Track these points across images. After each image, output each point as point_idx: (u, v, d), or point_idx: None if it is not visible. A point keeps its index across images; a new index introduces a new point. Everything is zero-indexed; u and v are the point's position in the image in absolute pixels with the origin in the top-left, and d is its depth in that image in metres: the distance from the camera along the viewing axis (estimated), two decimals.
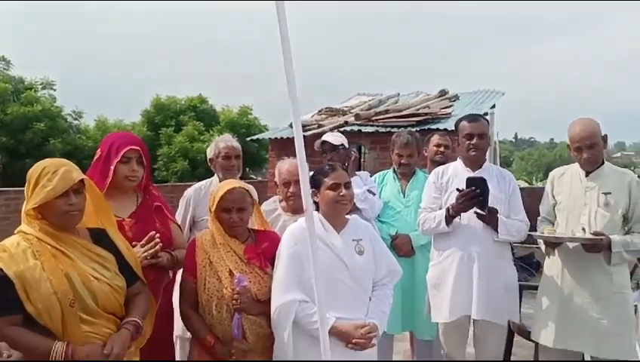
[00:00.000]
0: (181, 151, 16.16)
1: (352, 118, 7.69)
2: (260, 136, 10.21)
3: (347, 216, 2.66)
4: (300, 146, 1.80)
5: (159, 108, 18.63)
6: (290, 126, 8.36)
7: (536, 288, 3.37)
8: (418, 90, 9.87)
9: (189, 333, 2.78)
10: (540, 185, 20.17)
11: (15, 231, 2.07)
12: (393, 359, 4.05)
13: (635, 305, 3.14)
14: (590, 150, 2.92)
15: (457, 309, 3.16)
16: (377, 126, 7.39)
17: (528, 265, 7.06)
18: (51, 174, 2.01)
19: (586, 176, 3.01)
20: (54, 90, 16.42)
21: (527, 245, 4.88)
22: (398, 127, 7.01)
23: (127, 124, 18.53)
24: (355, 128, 7.28)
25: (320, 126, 7.78)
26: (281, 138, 8.22)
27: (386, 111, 7.53)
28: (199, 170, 16.62)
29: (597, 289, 2.89)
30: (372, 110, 7.86)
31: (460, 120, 3.31)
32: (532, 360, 3.84)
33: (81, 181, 2.08)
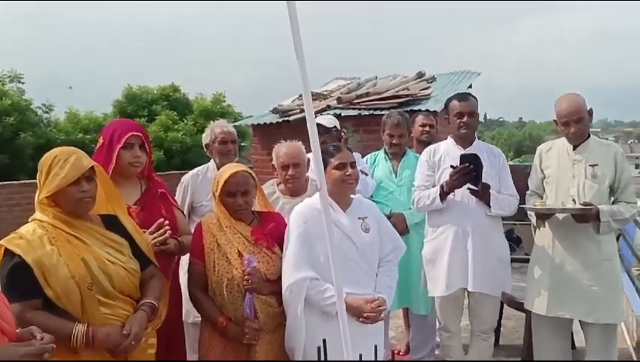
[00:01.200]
0: (155, 141, 15.93)
1: (334, 102, 7.73)
2: (241, 122, 10.17)
3: (351, 196, 2.72)
4: (312, 130, 1.84)
5: (131, 98, 18.31)
6: (273, 111, 8.39)
7: (519, 261, 3.51)
8: (394, 72, 9.95)
9: (192, 318, 2.84)
10: (511, 163, 20.51)
11: (30, 220, 2.09)
12: (390, 334, 4.16)
13: None
14: (577, 124, 3.04)
15: (454, 283, 3.27)
16: (360, 109, 7.45)
17: (509, 240, 7.22)
18: (62, 162, 2.04)
19: (573, 149, 3.12)
20: (22, 82, 16.00)
21: (508, 222, 5.02)
22: (381, 109, 7.08)
23: (99, 115, 18.20)
24: (337, 112, 7.32)
25: (302, 111, 7.81)
26: (264, 123, 8.21)
27: (367, 94, 7.59)
28: (175, 159, 16.46)
29: (587, 257, 3.02)
30: (353, 93, 7.91)
31: (450, 99, 3.39)
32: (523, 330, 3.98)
33: (92, 168, 2.10)
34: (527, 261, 4.50)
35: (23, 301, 1.90)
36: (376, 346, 2.25)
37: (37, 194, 2.09)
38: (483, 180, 3.14)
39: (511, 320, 4.92)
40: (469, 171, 3.06)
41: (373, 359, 2.19)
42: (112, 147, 2.51)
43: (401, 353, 4.23)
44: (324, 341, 2.13)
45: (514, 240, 7.40)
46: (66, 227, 2.05)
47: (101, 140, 2.57)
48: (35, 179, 2.10)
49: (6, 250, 1.98)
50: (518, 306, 3.96)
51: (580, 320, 3.21)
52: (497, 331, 4.12)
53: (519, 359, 4.05)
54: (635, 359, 4.21)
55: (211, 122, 3.65)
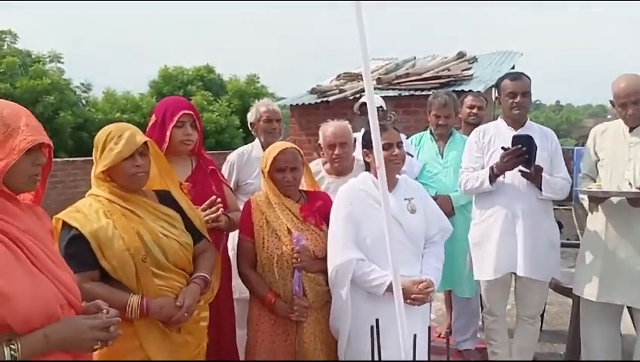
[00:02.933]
0: None
1: (374, 82, 7.64)
2: (278, 102, 10.17)
3: (397, 176, 2.69)
4: (372, 108, 1.82)
5: (167, 78, 18.60)
6: (311, 92, 8.35)
7: (562, 246, 3.42)
8: (433, 53, 9.78)
9: (238, 294, 2.87)
10: None
11: (87, 195, 2.13)
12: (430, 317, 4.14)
13: None
14: (635, 105, 2.92)
15: (502, 267, 3.21)
16: (400, 89, 7.35)
17: None
18: (117, 138, 2.06)
19: (630, 131, 3.01)
20: (62, 62, 16.33)
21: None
22: (422, 89, 6.98)
23: (136, 95, 18.50)
24: (377, 93, 7.24)
25: (341, 91, 7.76)
26: (302, 104, 8.18)
27: (407, 75, 7.49)
28: (209, 140, 16.65)
29: None
30: (392, 74, 7.82)
31: (502, 78, 3.30)
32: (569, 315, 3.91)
33: (145, 144, 2.12)
34: (568, 246, 4.43)
35: (81, 272, 1.93)
36: (429, 327, 2.23)
37: (93, 169, 2.12)
38: (535, 163, 3.05)
39: (554, 305, 4.84)
40: (522, 153, 2.98)
41: (425, 340, 2.18)
42: (165, 125, 2.53)
43: (441, 335, 4.21)
44: (377, 321, 2.12)
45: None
46: (121, 201, 2.08)
47: (154, 118, 2.59)
48: (75, 157, 2.14)
49: (64, 223, 2.02)
50: (564, 291, 3.89)
51: (629, 307, 3.13)
52: (541, 316, 4.06)
53: (564, 344, 3.98)
54: None
55: (256, 101, 3.65)
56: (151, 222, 2.10)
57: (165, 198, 2.23)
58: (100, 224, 2.01)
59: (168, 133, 2.52)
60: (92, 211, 2.04)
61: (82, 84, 16.93)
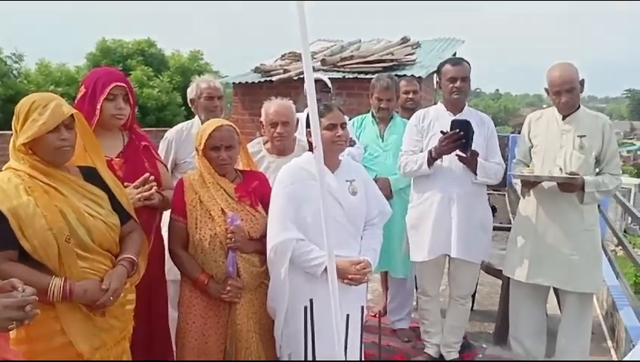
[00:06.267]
0: None
1: (318, 64, 7.60)
2: (222, 80, 9.96)
3: (340, 157, 2.67)
4: (311, 88, 1.77)
5: (105, 51, 17.84)
6: (255, 71, 8.21)
7: (494, 229, 3.54)
8: (378, 37, 9.81)
9: (172, 275, 2.79)
10: None
11: (3, 168, 1.99)
12: (367, 297, 4.20)
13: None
14: (569, 94, 3.02)
15: (436, 248, 3.28)
16: (344, 72, 7.34)
17: None
18: (42, 108, 1.93)
19: (563, 119, 3.12)
20: None
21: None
22: (365, 72, 6.99)
23: (71, 68, 17.65)
24: (321, 74, 7.21)
25: (286, 71, 7.66)
26: (246, 83, 8.03)
27: (351, 57, 7.47)
28: (150, 117, 16.13)
29: (569, 227, 3.05)
30: (336, 56, 7.79)
31: (443, 63, 3.33)
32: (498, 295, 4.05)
33: (71, 116, 2.00)
34: (501, 229, 4.57)
35: None
36: (362, 307, 2.24)
37: (11, 140, 1.98)
38: (472, 148, 3.11)
39: (485, 286, 5.01)
40: (460, 137, 3.03)
41: (359, 319, 2.19)
42: (95, 97, 2.38)
43: (376, 315, 4.27)
44: (311, 301, 2.11)
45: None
46: (43, 177, 1.95)
47: (83, 90, 2.43)
48: (4, 130, 1.99)
49: None
50: (495, 273, 4.03)
51: (556, 289, 3.27)
52: (472, 297, 4.19)
53: (493, 324, 4.14)
54: (604, 327, 4.35)
55: (196, 77, 3.52)
56: (76, 201, 1.99)
57: (90, 175, 2.11)
58: (20, 200, 1.87)
59: (99, 107, 2.38)
60: (11, 186, 1.90)
61: (13, 54, 15.98)
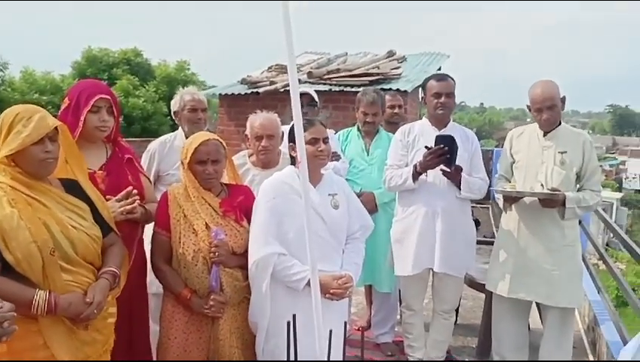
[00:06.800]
0: None
1: (305, 76, 7.63)
2: (206, 92, 9.96)
3: (322, 171, 2.68)
4: (296, 103, 1.78)
5: (91, 60, 17.80)
6: (241, 82, 8.22)
7: (477, 243, 3.56)
8: (364, 50, 9.89)
9: (154, 289, 2.76)
10: None
11: None
12: (351, 311, 4.20)
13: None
14: (550, 111, 3.07)
15: (420, 263, 3.30)
16: (330, 85, 7.38)
17: None
18: (26, 120, 1.92)
19: (544, 135, 3.16)
20: None
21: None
22: (351, 85, 7.03)
23: (56, 76, 17.54)
24: (307, 86, 7.23)
25: (272, 83, 7.68)
26: (232, 94, 8.03)
27: (338, 70, 7.52)
28: (135, 126, 16.05)
29: (550, 242, 3.09)
30: (323, 68, 7.83)
31: (428, 79, 3.37)
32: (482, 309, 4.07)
33: (55, 128, 1.99)
34: (485, 243, 4.61)
35: None
36: (345, 322, 2.24)
37: None
38: (456, 163, 3.14)
39: (469, 300, 5.03)
40: (444, 152, 3.06)
41: (342, 335, 2.19)
42: (79, 110, 2.37)
43: (360, 329, 4.26)
44: (294, 316, 2.11)
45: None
46: (26, 189, 1.93)
47: (67, 101, 2.42)
48: None
49: None
50: (479, 287, 4.05)
51: (538, 303, 3.29)
52: (456, 311, 4.20)
53: (476, 338, 4.15)
54: (585, 342, 4.38)
55: (180, 88, 3.52)
56: (59, 213, 1.97)
57: (71, 187, 2.10)
58: (3, 213, 1.85)
59: (82, 118, 2.37)
60: None
61: None
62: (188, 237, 2.43)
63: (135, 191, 2.41)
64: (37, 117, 1.93)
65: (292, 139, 2.56)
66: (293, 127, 2.60)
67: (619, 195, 30.54)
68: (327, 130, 3.85)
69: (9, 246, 1.84)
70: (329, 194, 2.62)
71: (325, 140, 2.57)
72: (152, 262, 2.53)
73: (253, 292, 2.47)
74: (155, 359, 2.58)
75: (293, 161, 2.64)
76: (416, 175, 3.20)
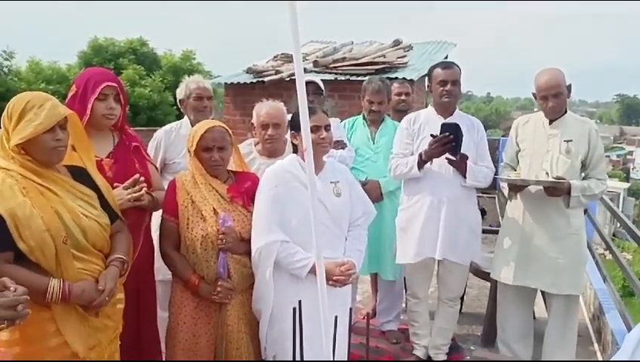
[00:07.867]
0: None
1: (310, 65, 7.61)
2: (214, 80, 9.96)
3: (324, 159, 2.69)
4: (301, 92, 1.78)
5: (97, 49, 17.81)
6: (247, 71, 8.21)
7: (483, 231, 3.57)
8: (370, 39, 9.84)
9: (162, 276, 2.79)
10: None
11: None
12: (357, 299, 4.22)
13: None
14: (555, 99, 3.06)
15: (423, 251, 3.30)
16: (336, 73, 7.36)
17: None
18: (37, 108, 1.93)
19: (550, 124, 3.16)
20: None
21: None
22: (357, 74, 7.02)
23: (62, 65, 17.57)
24: (313, 75, 7.22)
25: (278, 72, 7.68)
26: (238, 83, 8.03)
27: (343, 59, 7.50)
28: (141, 116, 16.08)
29: (555, 231, 3.09)
30: (329, 57, 7.81)
31: (434, 67, 3.36)
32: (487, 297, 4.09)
33: (65, 117, 2.00)
34: (491, 232, 4.62)
35: None
36: (350, 309, 2.26)
37: (1, 139, 1.97)
38: (461, 151, 3.14)
39: (474, 288, 5.04)
40: (449, 141, 3.06)
41: (347, 322, 2.20)
42: (86, 97, 2.39)
43: (365, 317, 4.29)
44: (300, 302, 2.12)
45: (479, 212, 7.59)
46: (36, 177, 1.95)
47: (74, 89, 2.44)
48: None
49: None
50: (484, 275, 4.06)
51: (542, 291, 3.31)
52: (461, 299, 4.22)
53: (481, 326, 4.17)
54: (590, 330, 4.40)
55: (186, 77, 3.53)
56: (70, 202, 1.99)
57: (79, 175, 2.11)
58: (16, 201, 1.86)
59: (89, 106, 2.39)
60: (6, 187, 1.89)
61: (4, 52, 15.91)
62: (196, 222, 2.45)
63: (142, 178, 2.43)
64: (49, 105, 1.94)
65: (294, 127, 2.57)
66: (294, 115, 2.61)
67: (626, 185, 30.40)
68: (333, 118, 3.88)
69: (22, 235, 1.86)
70: (331, 182, 2.63)
71: (327, 128, 2.58)
72: (160, 248, 2.55)
73: (257, 280, 2.50)
74: (163, 345, 2.61)
75: (296, 149, 2.66)
76: (421, 163, 3.20)
